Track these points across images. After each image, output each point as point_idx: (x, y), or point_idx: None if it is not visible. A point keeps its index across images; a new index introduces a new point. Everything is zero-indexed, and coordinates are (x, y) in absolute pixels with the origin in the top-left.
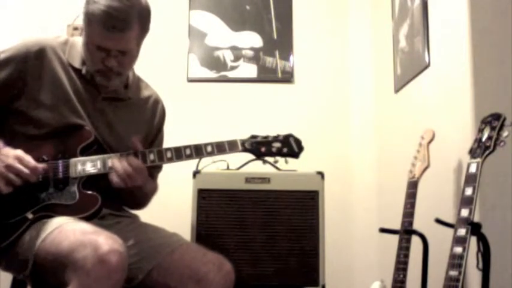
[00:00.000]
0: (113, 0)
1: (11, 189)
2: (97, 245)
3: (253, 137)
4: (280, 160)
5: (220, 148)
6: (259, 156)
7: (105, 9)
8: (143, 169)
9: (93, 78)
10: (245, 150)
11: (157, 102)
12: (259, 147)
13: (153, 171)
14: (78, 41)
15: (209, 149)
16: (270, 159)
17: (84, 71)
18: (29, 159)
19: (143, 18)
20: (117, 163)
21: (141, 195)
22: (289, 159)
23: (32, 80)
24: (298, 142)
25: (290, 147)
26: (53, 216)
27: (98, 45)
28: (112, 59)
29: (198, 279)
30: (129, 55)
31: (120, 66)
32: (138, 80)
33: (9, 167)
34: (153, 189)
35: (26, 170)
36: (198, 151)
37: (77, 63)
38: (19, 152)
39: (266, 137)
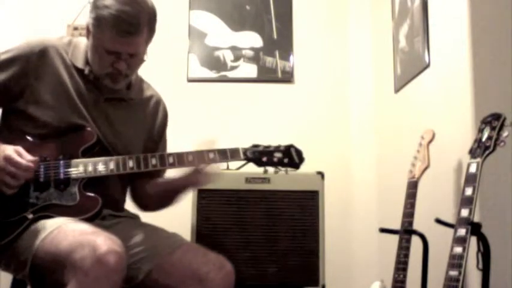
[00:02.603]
0: (123, 4)
1: (12, 192)
2: (95, 245)
3: (255, 146)
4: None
5: (222, 155)
6: (260, 165)
7: (117, 13)
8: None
9: (96, 79)
10: (247, 159)
11: (159, 102)
12: (261, 157)
13: (160, 171)
14: (81, 41)
15: (211, 155)
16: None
17: (87, 71)
18: (18, 159)
19: (152, 20)
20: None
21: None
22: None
23: (34, 79)
24: (299, 153)
25: (291, 158)
26: (52, 217)
27: (109, 50)
28: (122, 62)
29: (199, 279)
30: (138, 57)
31: (129, 68)
32: (140, 81)
33: (1, 170)
34: None
35: (19, 172)
36: (200, 157)
37: (80, 64)
38: (9, 151)
39: (268, 147)
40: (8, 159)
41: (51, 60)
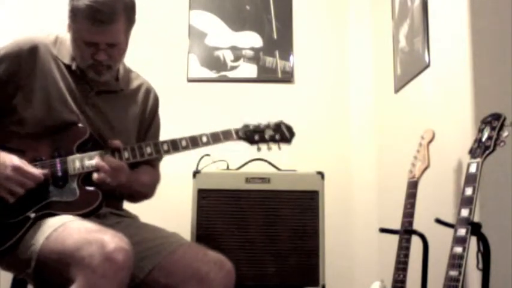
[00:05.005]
0: None
1: (15, 199)
2: (103, 242)
3: (246, 125)
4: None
5: (215, 138)
6: (253, 143)
7: (90, 3)
8: (122, 167)
9: (83, 74)
10: (239, 138)
11: (149, 90)
12: (253, 135)
13: (153, 161)
14: (67, 37)
15: (204, 139)
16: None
17: (74, 67)
18: (28, 168)
19: (129, 9)
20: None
21: (139, 189)
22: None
23: (25, 78)
24: (289, 128)
25: (282, 133)
26: (55, 214)
27: (87, 41)
28: (101, 53)
29: (199, 279)
30: (118, 48)
31: (110, 59)
32: (128, 72)
33: (10, 179)
34: (154, 180)
35: (27, 181)
36: (193, 142)
37: (66, 60)
38: (16, 161)
39: (258, 125)
40: (17, 169)
41: (42, 58)
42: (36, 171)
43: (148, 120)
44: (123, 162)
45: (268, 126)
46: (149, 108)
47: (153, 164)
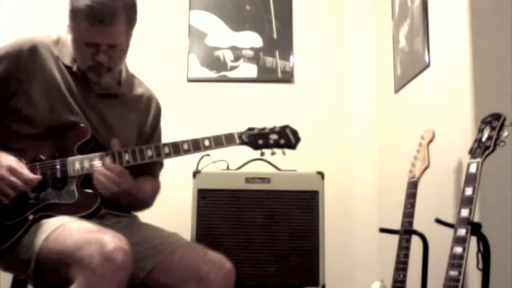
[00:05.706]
0: None
1: (8, 201)
2: (103, 243)
3: (250, 129)
4: (278, 152)
5: (218, 142)
6: (256, 148)
7: (90, 3)
8: (123, 173)
9: (84, 75)
10: (242, 143)
11: (151, 99)
12: (257, 140)
13: (154, 168)
14: (69, 38)
15: (207, 143)
16: (268, 153)
17: (74, 69)
18: (22, 170)
19: (129, 10)
20: (97, 172)
21: (139, 197)
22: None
23: (25, 78)
24: (294, 133)
25: (287, 138)
26: (53, 216)
27: (87, 41)
28: (102, 54)
29: (199, 279)
30: (119, 49)
31: (110, 60)
32: (131, 77)
33: (3, 180)
34: (154, 189)
35: (20, 183)
36: (195, 145)
37: (67, 61)
38: (12, 162)
39: (263, 129)
40: (12, 170)
41: (42, 58)
42: (31, 174)
43: (150, 132)
44: (123, 168)
45: (273, 130)
46: (151, 118)
47: (153, 173)
